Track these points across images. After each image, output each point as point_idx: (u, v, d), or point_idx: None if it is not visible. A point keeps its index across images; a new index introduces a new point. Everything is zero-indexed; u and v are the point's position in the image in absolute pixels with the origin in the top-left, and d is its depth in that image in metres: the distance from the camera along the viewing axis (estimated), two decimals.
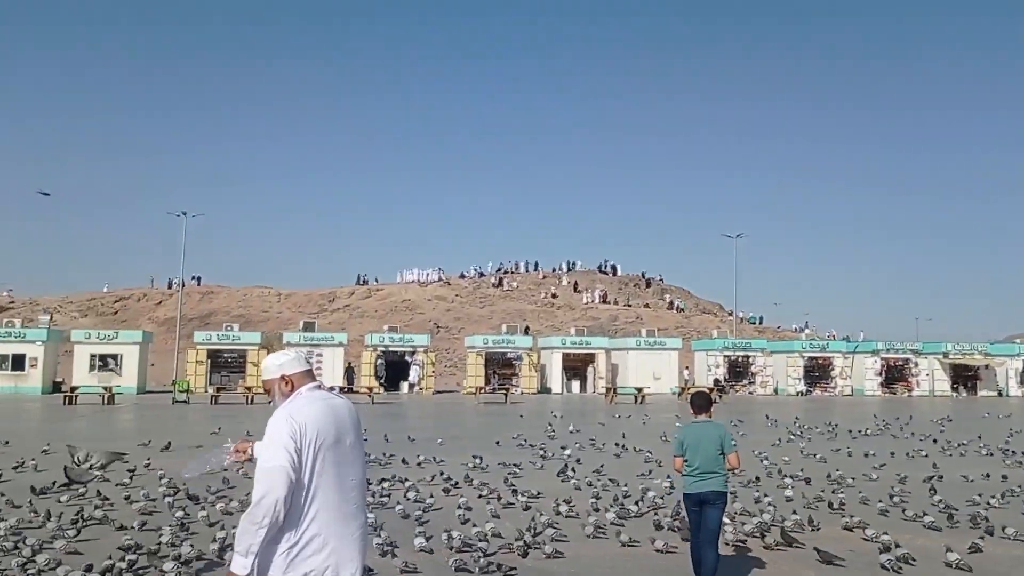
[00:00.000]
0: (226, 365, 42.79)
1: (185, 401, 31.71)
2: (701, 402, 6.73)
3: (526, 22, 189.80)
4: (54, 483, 10.87)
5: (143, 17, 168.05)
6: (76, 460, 12.11)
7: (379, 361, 43.18)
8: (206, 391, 36.96)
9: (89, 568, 6.73)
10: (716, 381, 43.64)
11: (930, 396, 46.48)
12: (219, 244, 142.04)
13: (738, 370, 48.06)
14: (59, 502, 9.84)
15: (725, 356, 47.49)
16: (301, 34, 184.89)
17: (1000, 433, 20.74)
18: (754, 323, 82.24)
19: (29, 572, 6.63)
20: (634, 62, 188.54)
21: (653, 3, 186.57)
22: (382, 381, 42.16)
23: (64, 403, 30.28)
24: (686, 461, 6.44)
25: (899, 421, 24.69)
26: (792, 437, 19.26)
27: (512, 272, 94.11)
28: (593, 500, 10.04)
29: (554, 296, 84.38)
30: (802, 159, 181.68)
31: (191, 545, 7.43)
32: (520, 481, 11.81)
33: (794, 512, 9.38)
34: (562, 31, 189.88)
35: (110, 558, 6.86)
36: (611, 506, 9.69)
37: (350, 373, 43.53)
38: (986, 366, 48.89)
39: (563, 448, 15.88)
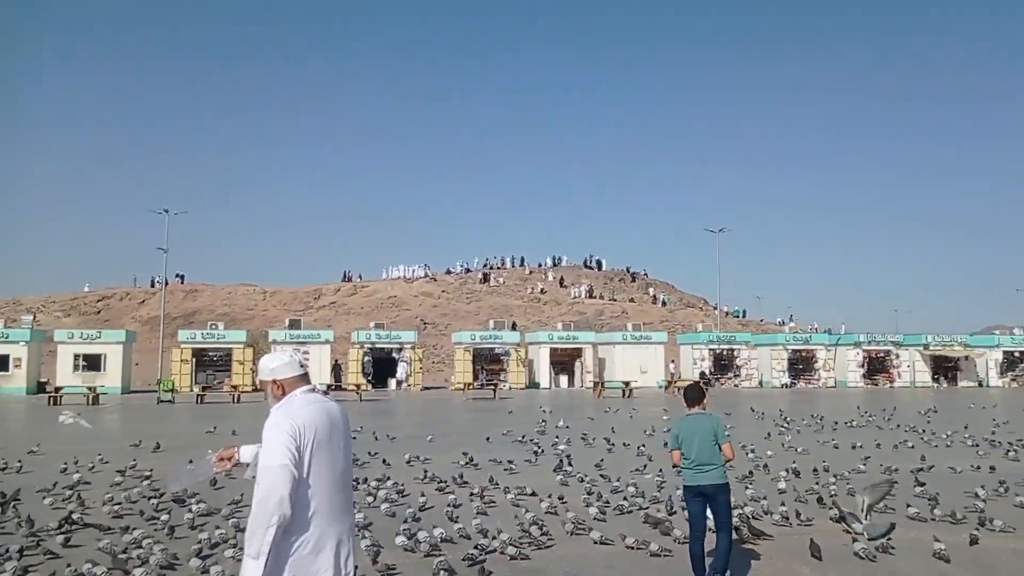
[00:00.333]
0: (211, 364, 42.62)
1: (170, 401, 31.57)
2: (694, 394, 6.79)
3: (508, 20, 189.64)
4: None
5: (126, 16, 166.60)
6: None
7: (366, 358, 43.15)
8: (191, 390, 36.81)
9: None
10: (702, 374, 43.91)
11: (911, 387, 46.96)
12: (203, 242, 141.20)
13: (723, 363, 48.39)
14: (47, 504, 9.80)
15: (710, 349, 47.80)
16: (284, 33, 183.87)
17: (985, 424, 20.98)
18: (738, 317, 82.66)
19: None
20: (616, 59, 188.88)
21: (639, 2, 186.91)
22: (370, 378, 42.14)
23: (49, 403, 30.09)
24: (683, 454, 6.52)
25: (884, 412, 24.92)
26: (783, 429, 19.44)
27: (498, 268, 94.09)
28: (585, 496, 10.10)
29: (542, 292, 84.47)
30: (783, 154, 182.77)
31: (164, 550, 7.31)
32: (514, 478, 11.85)
33: (782, 504, 9.50)
34: (543, 28, 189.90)
35: (69, 565, 6.76)
36: (595, 502, 9.68)
37: (337, 370, 43.49)
38: (966, 357, 49.43)
39: (554, 445, 15.97)
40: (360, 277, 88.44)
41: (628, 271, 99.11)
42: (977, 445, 16.04)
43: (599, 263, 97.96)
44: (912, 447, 15.86)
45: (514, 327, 53.30)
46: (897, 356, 48.92)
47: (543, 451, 14.98)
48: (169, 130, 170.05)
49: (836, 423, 21.05)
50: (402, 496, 10.33)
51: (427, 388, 43.77)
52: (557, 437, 17.39)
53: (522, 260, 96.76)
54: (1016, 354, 50.17)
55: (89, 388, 31.84)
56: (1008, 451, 15.02)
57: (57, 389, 32.33)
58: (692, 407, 6.72)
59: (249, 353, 41.62)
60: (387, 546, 7.62)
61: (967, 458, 14.04)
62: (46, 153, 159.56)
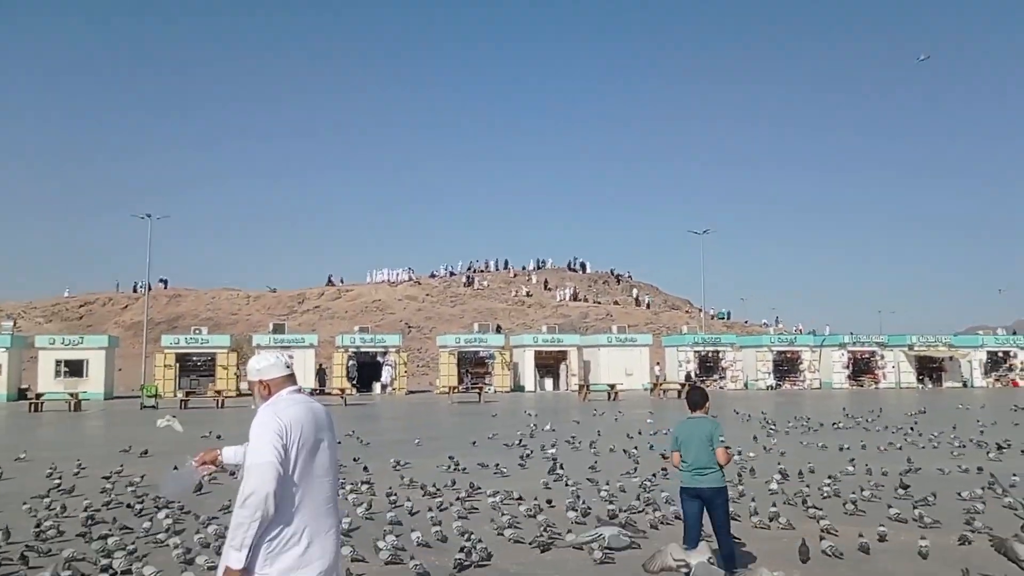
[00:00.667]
0: (195, 369, 42.30)
1: (154, 406, 31.27)
2: (697, 398, 6.80)
3: (494, 22, 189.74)
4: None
5: (106, 16, 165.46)
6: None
7: (351, 362, 42.96)
8: (175, 395, 36.51)
9: None
10: (687, 376, 43.99)
11: (897, 388, 47.22)
12: (186, 246, 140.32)
13: (708, 365, 48.50)
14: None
15: (695, 351, 47.90)
16: (268, 35, 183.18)
17: (973, 425, 21.00)
18: (723, 318, 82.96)
19: None
20: (602, 61, 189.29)
21: (621, 5, 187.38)
22: (354, 382, 41.95)
23: (30, 410, 29.76)
24: (682, 457, 6.53)
25: (872, 414, 24.97)
26: (772, 431, 19.45)
27: (482, 271, 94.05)
28: (572, 499, 10.02)
29: (528, 295, 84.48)
30: (768, 156, 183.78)
31: (128, 554, 7.19)
32: (503, 482, 11.78)
33: (773, 505, 9.48)
34: (528, 31, 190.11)
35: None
36: (577, 507, 9.54)
37: (322, 375, 43.24)
38: (950, 358, 49.78)
39: (543, 448, 15.90)
40: (342, 281, 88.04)
41: (613, 273, 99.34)
42: (964, 446, 16.09)
43: (583, 265, 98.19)
44: (900, 448, 15.89)
45: (499, 330, 53.25)
46: (882, 357, 49.17)
47: (532, 454, 14.92)
48: (152, 134, 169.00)
49: (821, 424, 21.08)
50: (394, 502, 10.21)
51: (412, 392, 43.61)
52: (543, 443, 17.30)
53: (506, 263, 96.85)
54: (999, 354, 50.63)
55: (71, 394, 31.52)
56: (989, 451, 15.08)
57: (38, 395, 31.96)
58: (694, 411, 6.72)
59: (233, 358, 41.32)
60: (366, 550, 7.56)
61: (954, 459, 14.09)
62: (26, 157, 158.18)
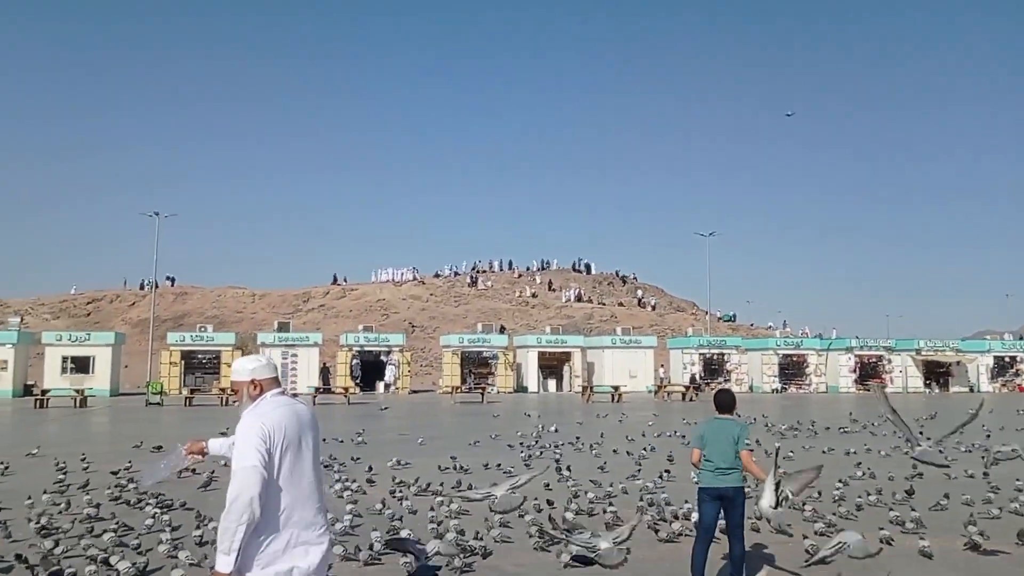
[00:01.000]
0: (200, 366, 42.36)
1: (159, 403, 31.33)
2: (726, 400, 6.74)
3: (504, 21, 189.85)
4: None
5: (115, 12, 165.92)
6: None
7: (355, 361, 42.97)
8: (180, 393, 36.57)
9: None
10: (692, 379, 43.88)
11: (904, 392, 47.03)
12: (193, 245, 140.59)
13: (713, 368, 48.39)
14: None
15: (700, 354, 47.80)
16: (274, 32, 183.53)
17: (979, 430, 20.82)
18: (728, 321, 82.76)
19: None
20: (610, 62, 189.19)
21: (628, 2, 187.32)
22: (358, 381, 41.96)
23: (35, 406, 29.81)
24: (704, 455, 6.44)
25: (880, 419, 24.78)
26: (781, 435, 19.39)
27: (486, 271, 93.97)
28: (572, 499, 9.96)
29: (533, 295, 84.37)
30: (774, 159, 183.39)
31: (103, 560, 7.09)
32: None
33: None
34: (538, 30, 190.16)
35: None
36: (571, 507, 9.52)
37: (325, 373, 43.28)
38: (958, 362, 49.58)
39: (550, 446, 15.87)
40: (345, 280, 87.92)
41: (618, 274, 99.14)
42: (969, 451, 15.99)
43: (588, 266, 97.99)
44: (906, 453, 15.78)
45: (502, 330, 53.21)
46: (889, 361, 48.99)
47: (540, 454, 14.89)
48: (162, 131, 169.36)
49: (827, 428, 20.97)
50: (387, 502, 10.19)
51: (415, 391, 43.60)
52: (547, 444, 17.26)
53: (511, 263, 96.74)
54: (1006, 359, 50.41)
55: (77, 391, 31.58)
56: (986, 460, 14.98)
57: (44, 392, 32.01)
58: (722, 413, 6.67)
59: (238, 356, 41.31)
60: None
61: (962, 464, 14.01)
62: (34, 154, 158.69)
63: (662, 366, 48.41)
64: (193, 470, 11.65)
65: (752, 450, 6.67)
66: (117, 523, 8.59)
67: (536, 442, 17.51)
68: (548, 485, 11.34)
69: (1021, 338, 54.71)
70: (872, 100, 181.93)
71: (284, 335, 43.21)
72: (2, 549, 7.61)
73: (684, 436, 18.44)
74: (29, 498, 9.99)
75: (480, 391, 37.94)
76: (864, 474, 12.68)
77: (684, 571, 6.65)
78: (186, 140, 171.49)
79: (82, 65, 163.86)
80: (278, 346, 42.00)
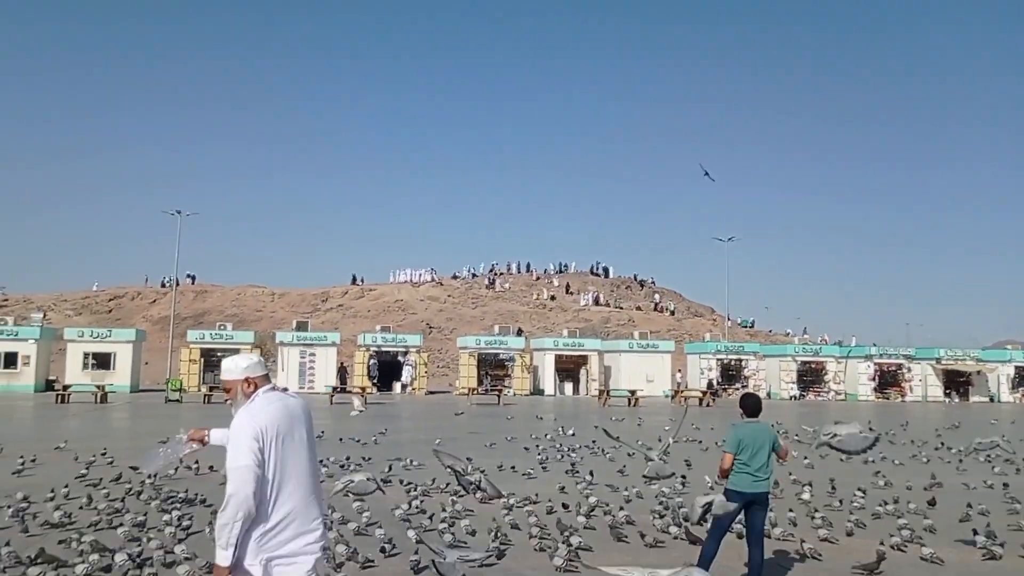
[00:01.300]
0: (219, 364, 42.51)
1: (178, 400, 31.61)
2: (756, 404, 6.77)
3: (523, 24, 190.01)
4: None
5: (138, 11, 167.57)
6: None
7: (372, 361, 43.15)
8: (199, 390, 36.88)
9: None
10: (709, 384, 43.73)
11: (923, 401, 46.61)
12: (213, 243, 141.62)
13: (731, 373, 48.18)
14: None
15: (718, 359, 47.61)
16: (297, 33, 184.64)
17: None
18: (746, 327, 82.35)
19: None
20: (628, 65, 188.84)
21: (650, 7, 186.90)
22: (375, 381, 42.13)
23: (56, 401, 30.19)
24: (739, 459, 6.44)
25: (902, 428, 24.60)
26: (798, 441, 19.27)
27: (504, 273, 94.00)
28: (582, 501, 9.98)
29: (552, 298, 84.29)
30: (794, 163, 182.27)
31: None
32: (527, 485, 11.78)
33: (791, 510, 9.42)
34: (558, 33, 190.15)
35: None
36: (581, 511, 9.53)
37: (343, 373, 43.50)
38: (978, 372, 49.07)
39: (569, 449, 15.88)
40: (362, 280, 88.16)
41: (636, 279, 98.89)
42: (990, 461, 15.85)
43: (606, 270, 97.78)
44: (927, 462, 15.68)
45: (519, 333, 53.24)
46: (909, 370, 48.55)
47: (559, 457, 14.92)
48: (184, 130, 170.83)
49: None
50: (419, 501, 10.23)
51: (431, 392, 43.71)
52: (563, 446, 17.26)
53: (528, 266, 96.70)
54: None
55: (98, 386, 31.93)
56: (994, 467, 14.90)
57: (65, 387, 32.41)
58: (751, 417, 6.69)
59: (256, 354, 41.63)
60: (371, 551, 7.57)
61: (981, 474, 13.91)
62: (59, 153, 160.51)
63: (679, 371, 48.23)
64: (195, 462, 12.13)
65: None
66: (132, 517, 8.74)
67: (558, 447, 17.16)
68: (563, 488, 11.36)
69: None
70: (894, 105, 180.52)
71: (303, 334, 43.50)
72: (19, 544, 7.70)
73: (701, 441, 18.38)
74: (52, 491, 10.16)
75: (496, 393, 37.98)
76: (884, 484, 12.61)
77: None
78: (209, 140, 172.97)
79: (107, 65, 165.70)
80: (296, 345, 42.29)
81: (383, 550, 7.66)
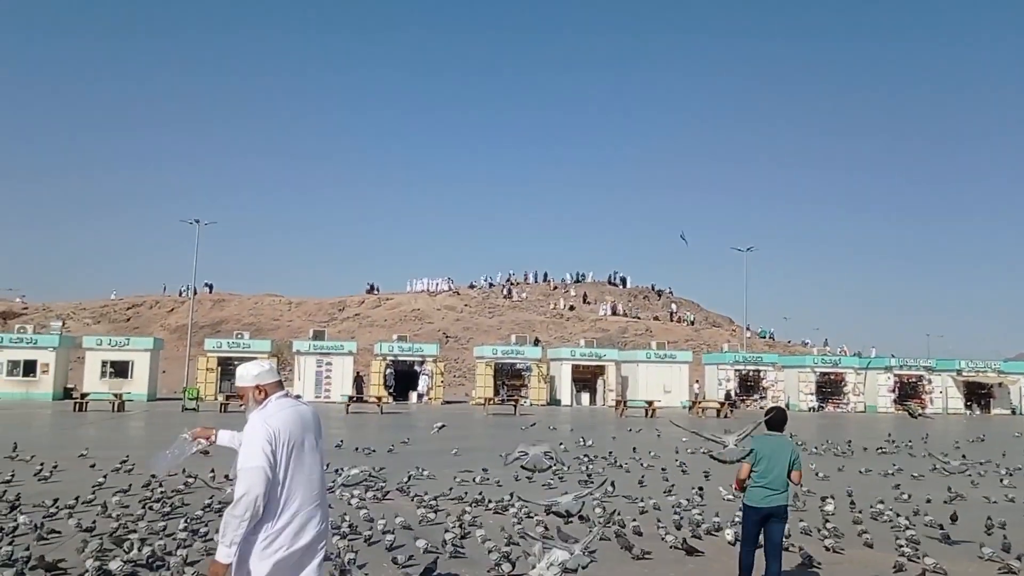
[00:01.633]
0: (236, 373, 42.83)
1: (195, 409, 31.73)
2: (781, 418, 6.75)
3: (536, 33, 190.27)
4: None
5: (155, 22, 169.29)
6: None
7: (388, 370, 43.17)
8: (216, 399, 37.02)
9: None
10: (727, 395, 43.42)
11: (944, 413, 46.05)
12: (231, 252, 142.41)
13: (749, 384, 47.80)
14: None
15: (736, 370, 47.25)
16: (312, 44, 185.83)
17: (1021, 455, 20.33)
18: (764, 337, 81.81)
19: None
20: (642, 73, 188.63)
21: (677, 17, 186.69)
22: (391, 390, 42.14)
23: (74, 409, 30.36)
24: (756, 471, 6.42)
25: (922, 441, 24.26)
26: (818, 452, 19.08)
27: (520, 283, 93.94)
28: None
29: (571, 308, 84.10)
30: (813, 174, 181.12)
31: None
32: (545, 494, 11.69)
33: (801, 521, 9.27)
34: (571, 43, 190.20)
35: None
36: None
37: (359, 382, 43.54)
38: (1000, 384, 48.47)
39: (589, 460, 15.78)
40: (379, 289, 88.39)
41: (653, 288, 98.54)
42: (1012, 474, 15.62)
43: (624, 280, 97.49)
44: (947, 475, 15.46)
45: (536, 343, 53.12)
46: (929, 381, 48.00)
47: (568, 468, 14.83)
48: (202, 140, 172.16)
49: (865, 448, 20.59)
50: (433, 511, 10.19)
51: (448, 402, 43.65)
52: (584, 456, 17.14)
53: (545, 275, 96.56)
54: None
55: (115, 395, 32.10)
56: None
57: (83, 395, 32.62)
58: (773, 431, 6.67)
59: (274, 364, 41.78)
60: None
61: (1004, 488, 13.69)
62: (79, 163, 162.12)
63: (697, 381, 47.94)
64: (205, 452, 11.82)
65: (801, 470, 6.63)
66: (147, 524, 8.75)
67: (587, 459, 16.75)
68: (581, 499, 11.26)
69: None
70: (914, 115, 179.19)
71: (319, 343, 43.63)
72: (33, 550, 7.69)
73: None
74: (76, 497, 10.21)
75: (513, 403, 37.88)
76: (904, 495, 12.44)
77: None
78: (228, 150, 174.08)
79: (128, 78, 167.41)
80: (313, 354, 42.40)
81: (395, 560, 7.59)
